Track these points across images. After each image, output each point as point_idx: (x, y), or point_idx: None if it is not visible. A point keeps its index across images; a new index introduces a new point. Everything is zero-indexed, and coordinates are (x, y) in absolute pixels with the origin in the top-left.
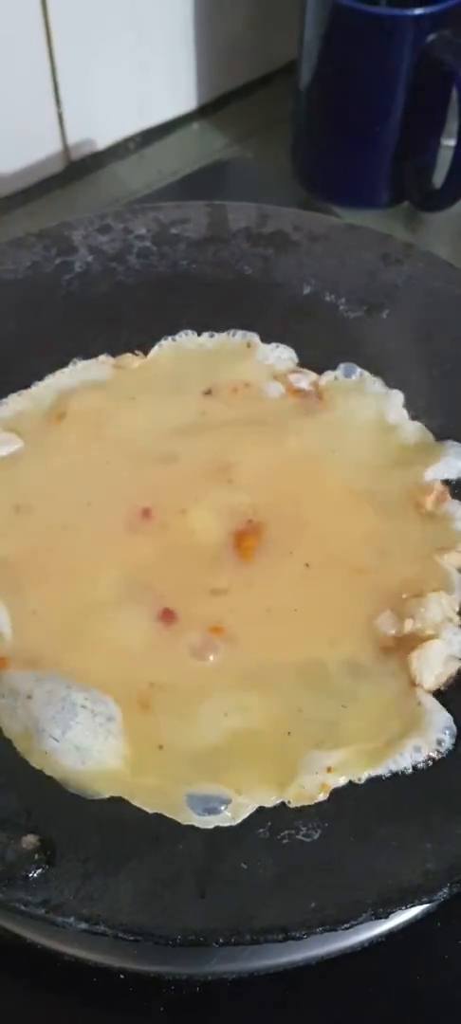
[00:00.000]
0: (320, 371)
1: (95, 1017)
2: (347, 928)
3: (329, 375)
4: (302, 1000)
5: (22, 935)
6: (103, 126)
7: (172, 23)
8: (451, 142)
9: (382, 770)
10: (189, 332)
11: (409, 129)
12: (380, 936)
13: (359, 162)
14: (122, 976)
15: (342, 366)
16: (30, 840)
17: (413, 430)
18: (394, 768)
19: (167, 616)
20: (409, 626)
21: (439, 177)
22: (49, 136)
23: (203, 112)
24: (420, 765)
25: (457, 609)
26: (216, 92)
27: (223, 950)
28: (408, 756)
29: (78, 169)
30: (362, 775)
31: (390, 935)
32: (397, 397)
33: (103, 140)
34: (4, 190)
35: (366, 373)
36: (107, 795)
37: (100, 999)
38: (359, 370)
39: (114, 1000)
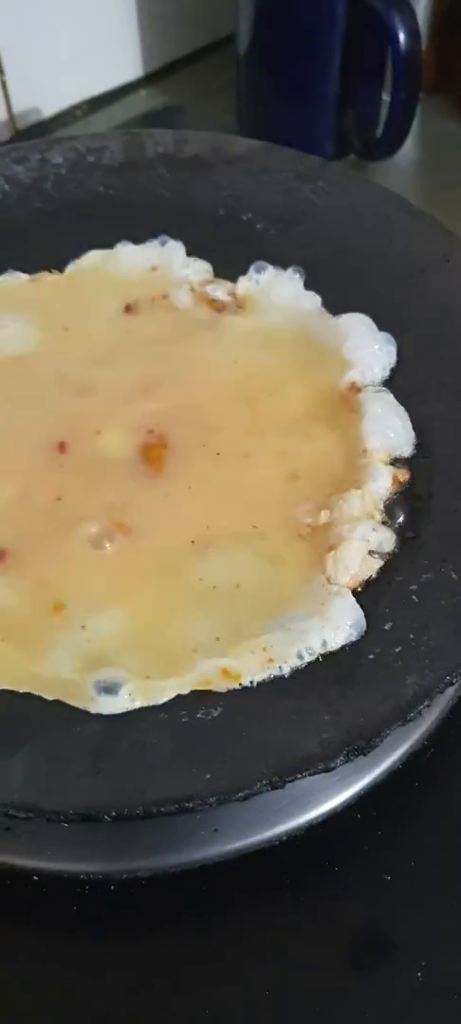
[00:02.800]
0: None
1: (7, 919)
2: (242, 798)
3: (243, 281)
4: (219, 897)
5: None
6: (49, 94)
7: None
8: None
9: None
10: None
11: (349, 80)
12: (300, 828)
13: (302, 117)
14: (36, 877)
15: (252, 266)
16: None
17: (331, 325)
18: (299, 662)
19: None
20: (325, 517)
21: (381, 127)
22: None
23: (149, 80)
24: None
25: (381, 505)
26: (162, 60)
27: (137, 845)
28: (316, 648)
29: (24, 138)
30: (263, 674)
31: (310, 827)
32: (313, 298)
33: (49, 108)
34: None
35: (279, 272)
36: (4, 685)
37: (13, 901)
38: (270, 268)
39: (28, 902)
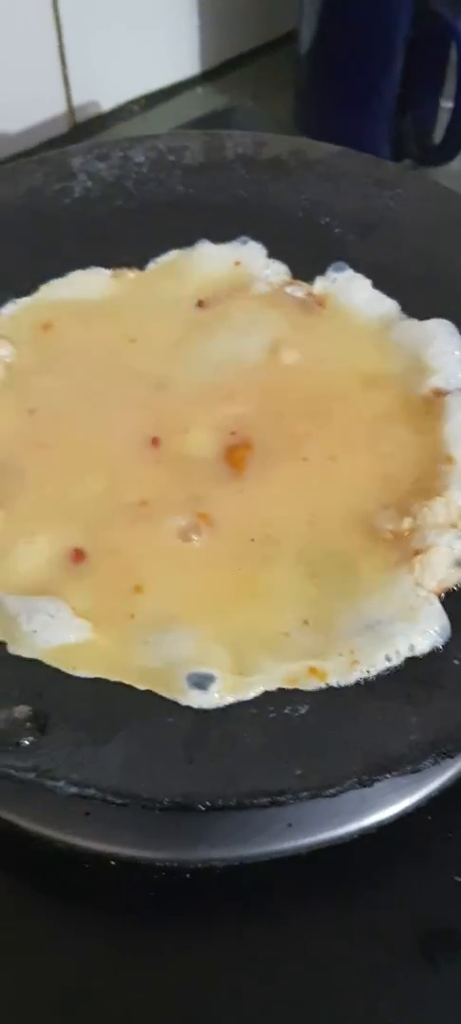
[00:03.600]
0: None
1: (86, 902)
2: (332, 794)
3: (320, 281)
4: (291, 889)
5: (15, 822)
6: (108, 88)
7: None
8: (451, 104)
9: (376, 664)
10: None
11: (410, 85)
12: (371, 827)
13: (361, 119)
14: (113, 863)
15: (331, 266)
16: (22, 710)
17: (411, 329)
18: (386, 665)
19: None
20: (407, 524)
21: (440, 133)
22: (54, 97)
23: (207, 77)
24: (409, 656)
25: None
26: (220, 58)
27: (212, 835)
28: (403, 651)
29: (83, 131)
30: (350, 676)
31: (381, 827)
32: (390, 302)
33: (108, 102)
34: (9, 150)
35: (358, 274)
36: (97, 673)
37: (92, 885)
38: (349, 270)
39: (105, 886)
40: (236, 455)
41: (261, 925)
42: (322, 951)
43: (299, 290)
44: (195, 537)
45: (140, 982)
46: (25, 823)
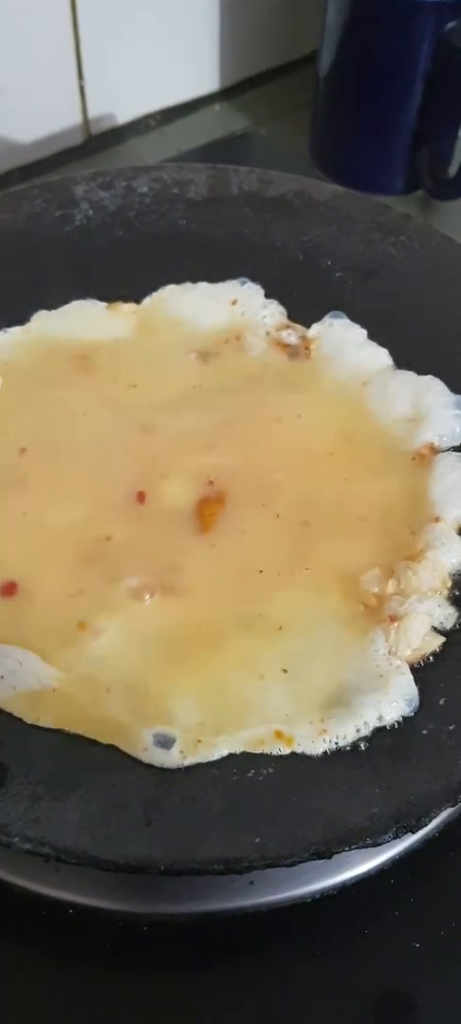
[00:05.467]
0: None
1: (43, 949)
2: (289, 864)
3: (316, 328)
4: (249, 947)
5: None
6: (124, 101)
7: (198, 3)
8: None
9: (345, 735)
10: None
11: (426, 117)
12: (333, 888)
13: (376, 148)
14: (71, 911)
15: (328, 315)
16: None
17: (403, 383)
18: (354, 736)
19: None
20: (392, 587)
21: (455, 167)
22: (70, 108)
23: (225, 94)
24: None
25: (450, 580)
26: (239, 75)
27: (172, 889)
28: (371, 722)
29: (97, 143)
30: (317, 744)
31: (343, 888)
32: (384, 353)
33: (124, 115)
34: (22, 160)
35: (354, 323)
36: (60, 725)
37: (48, 932)
38: (345, 317)
39: (62, 933)
40: (207, 511)
41: (217, 980)
42: (278, 1010)
43: (294, 335)
44: (148, 597)
45: None
46: None
